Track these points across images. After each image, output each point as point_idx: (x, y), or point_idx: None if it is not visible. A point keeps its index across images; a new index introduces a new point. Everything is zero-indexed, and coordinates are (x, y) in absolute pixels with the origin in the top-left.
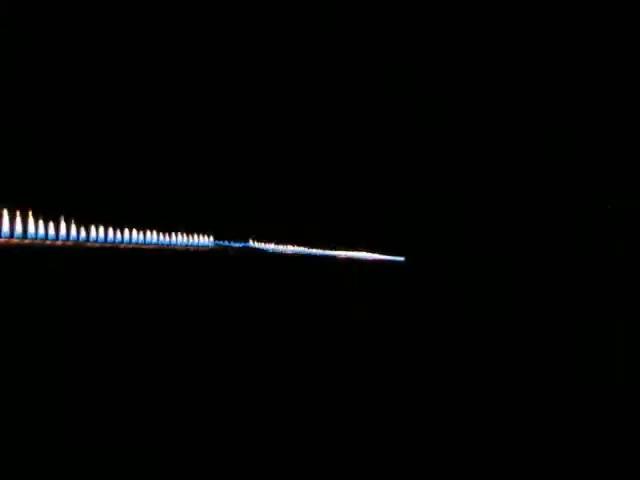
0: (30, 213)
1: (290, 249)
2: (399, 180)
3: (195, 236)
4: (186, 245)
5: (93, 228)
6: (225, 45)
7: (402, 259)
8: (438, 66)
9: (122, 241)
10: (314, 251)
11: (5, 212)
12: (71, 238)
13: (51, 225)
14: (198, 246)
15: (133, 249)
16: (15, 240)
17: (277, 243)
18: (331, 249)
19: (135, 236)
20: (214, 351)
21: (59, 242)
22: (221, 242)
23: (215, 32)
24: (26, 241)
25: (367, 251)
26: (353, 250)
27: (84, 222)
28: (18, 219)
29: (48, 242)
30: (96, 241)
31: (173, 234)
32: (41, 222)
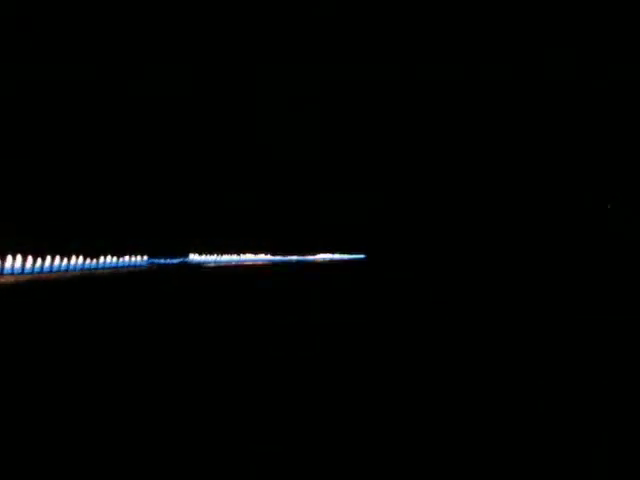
0: None
1: (236, 258)
2: (356, 179)
3: (127, 257)
4: (116, 267)
5: (15, 259)
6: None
7: (363, 256)
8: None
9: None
10: (262, 257)
11: None
12: None
13: None
14: (130, 267)
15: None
16: None
17: (223, 253)
18: (284, 255)
19: (58, 263)
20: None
21: None
22: (156, 260)
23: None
24: None
25: (327, 252)
26: (312, 253)
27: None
28: None
29: None
30: (22, 272)
31: (102, 257)
32: None
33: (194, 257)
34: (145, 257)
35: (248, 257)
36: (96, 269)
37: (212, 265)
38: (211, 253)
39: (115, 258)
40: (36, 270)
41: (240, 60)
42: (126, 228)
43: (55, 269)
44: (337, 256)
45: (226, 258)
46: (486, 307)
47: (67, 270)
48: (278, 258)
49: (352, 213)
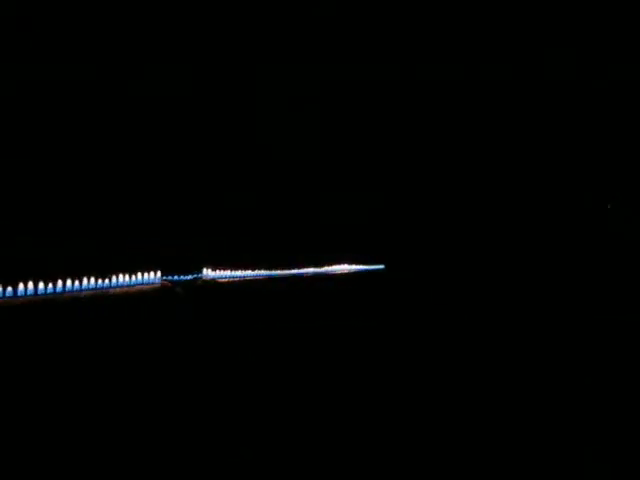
0: None
1: (250, 273)
2: (373, 191)
3: (139, 274)
4: (129, 285)
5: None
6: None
7: (382, 267)
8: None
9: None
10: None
11: None
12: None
13: None
14: (143, 284)
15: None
16: None
17: (235, 268)
18: (301, 267)
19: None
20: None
21: None
22: (169, 276)
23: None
24: None
25: (348, 263)
26: (326, 264)
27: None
28: None
29: None
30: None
31: (114, 276)
32: None
33: (208, 273)
34: (158, 274)
35: (263, 272)
36: (109, 288)
37: (229, 280)
38: (224, 267)
39: (127, 276)
40: (49, 291)
41: (240, 60)
42: (130, 240)
43: (68, 290)
44: (357, 267)
45: (240, 273)
46: (490, 308)
47: (80, 290)
48: (292, 272)
49: (359, 215)
